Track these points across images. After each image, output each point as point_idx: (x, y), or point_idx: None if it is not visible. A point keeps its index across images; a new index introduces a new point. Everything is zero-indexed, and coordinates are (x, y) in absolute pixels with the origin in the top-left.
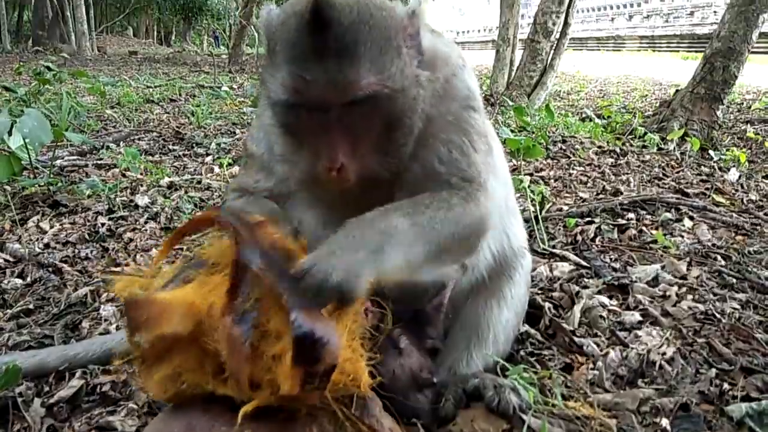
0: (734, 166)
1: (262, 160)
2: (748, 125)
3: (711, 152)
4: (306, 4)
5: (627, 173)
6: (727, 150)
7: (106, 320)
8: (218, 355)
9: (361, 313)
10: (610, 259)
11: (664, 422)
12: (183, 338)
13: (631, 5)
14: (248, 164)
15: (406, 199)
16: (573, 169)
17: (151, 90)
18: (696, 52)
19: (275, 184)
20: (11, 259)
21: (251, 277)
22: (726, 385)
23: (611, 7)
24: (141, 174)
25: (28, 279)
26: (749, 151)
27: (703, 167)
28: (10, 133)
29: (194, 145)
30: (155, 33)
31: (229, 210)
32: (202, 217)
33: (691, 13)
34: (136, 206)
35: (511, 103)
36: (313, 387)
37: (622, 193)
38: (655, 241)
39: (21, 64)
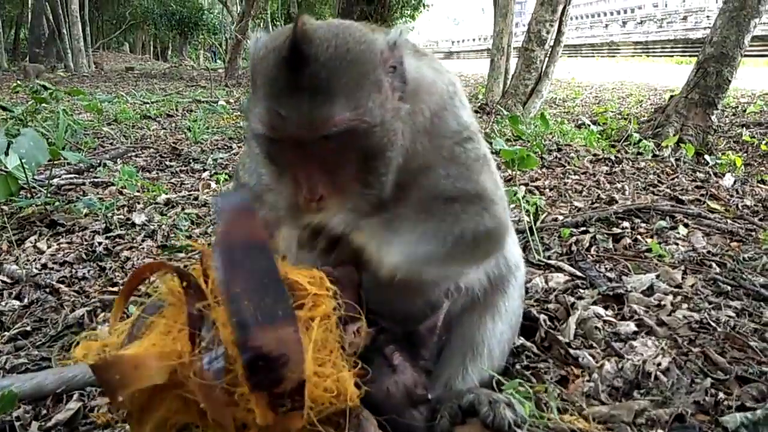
0: (730, 171)
1: (253, 189)
2: (744, 128)
3: (706, 157)
4: (284, 40)
5: (622, 181)
6: (723, 154)
7: None
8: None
9: (339, 324)
10: (605, 268)
11: None
12: (162, 387)
13: (625, 11)
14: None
15: (419, 207)
16: (568, 177)
17: (147, 106)
18: (690, 56)
19: (266, 212)
20: (8, 281)
21: (209, 318)
22: (721, 395)
23: (605, 14)
24: (138, 191)
25: (26, 300)
26: (745, 154)
27: (698, 173)
28: (6, 153)
29: (191, 160)
30: (152, 48)
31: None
32: (147, 266)
33: (685, 18)
34: (133, 224)
35: (506, 113)
36: (286, 408)
37: (617, 202)
38: (650, 250)
39: (18, 83)
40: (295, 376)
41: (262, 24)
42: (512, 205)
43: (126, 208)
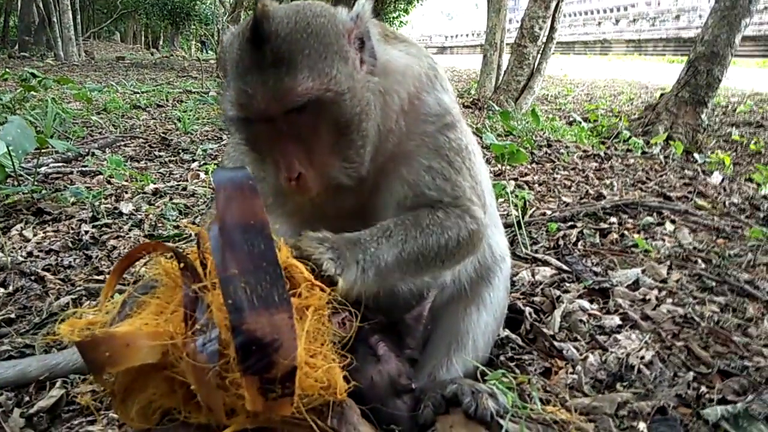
0: (718, 169)
1: None
2: (733, 128)
3: (695, 155)
4: (247, 23)
5: (611, 177)
6: (712, 153)
7: None
8: (187, 383)
9: (331, 317)
10: (592, 263)
11: (642, 426)
12: (150, 367)
13: (618, 9)
14: None
15: (401, 219)
16: (557, 173)
17: (138, 96)
18: (682, 55)
19: None
20: None
21: (204, 301)
22: (703, 389)
23: (598, 11)
24: (126, 181)
25: (10, 288)
26: (734, 153)
27: (686, 170)
28: None
29: (180, 151)
30: (143, 38)
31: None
32: (144, 246)
33: (677, 17)
34: (121, 214)
35: (497, 108)
36: (276, 395)
37: (605, 198)
38: (636, 245)
39: (6, 70)
40: (287, 362)
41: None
42: (501, 199)
43: (113, 198)
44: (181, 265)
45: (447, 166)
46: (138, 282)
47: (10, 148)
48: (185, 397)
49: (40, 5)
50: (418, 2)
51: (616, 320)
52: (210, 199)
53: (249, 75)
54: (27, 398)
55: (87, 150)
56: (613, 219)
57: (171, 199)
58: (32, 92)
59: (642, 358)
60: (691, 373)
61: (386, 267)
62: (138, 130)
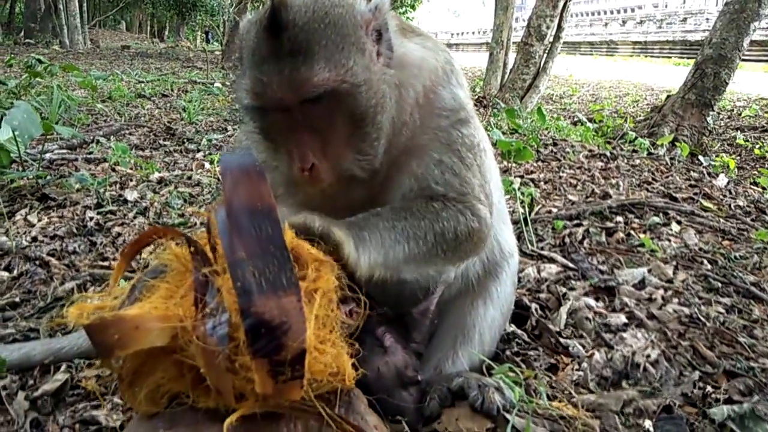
0: (723, 172)
1: None
2: (738, 132)
3: (701, 158)
4: (265, 12)
5: (616, 177)
6: (717, 156)
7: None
8: (196, 366)
9: (340, 306)
10: (598, 261)
11: (647, 423)
12: (159, 350)
13: (625, 11)
14: None
15: (398, 206)
16: (563, 171)
17: (143, 85)
18: (688, 58)
19: None
20: None
21: (214, 285)
22: (709, 388)
23: (605, 12)
24: (131, 169)
25: (15, 272)
26: (739, 157)
27: (692, 172)
28: None
29: (185, 140)
30: (149, 28)
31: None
32: (154, 230)
33: (684, 20)
34: (125, 201)
35: (503, 106)
36: (286, 377)
37: (611, 197)
38: (642, 245)
39: (12, 56)
40: (296, 345)
41: (260, 6)
42: (507, 196)
43: (118, 185)
44: (192, 249)
45: (458, 162)
46: (147, 267)
47: (16, 133)
48: (194, 381)
49: None
50: None
51: (622, 318)
52: (215, 189)
53: (265, 64)
54: (31, 381)
55: (92, 137)
56: (620, 218)
57: (176, 187)
58: (38, 79)
59: (648, 356)
60: (697, 373)
61: (388, 250)
62: (143, 118)
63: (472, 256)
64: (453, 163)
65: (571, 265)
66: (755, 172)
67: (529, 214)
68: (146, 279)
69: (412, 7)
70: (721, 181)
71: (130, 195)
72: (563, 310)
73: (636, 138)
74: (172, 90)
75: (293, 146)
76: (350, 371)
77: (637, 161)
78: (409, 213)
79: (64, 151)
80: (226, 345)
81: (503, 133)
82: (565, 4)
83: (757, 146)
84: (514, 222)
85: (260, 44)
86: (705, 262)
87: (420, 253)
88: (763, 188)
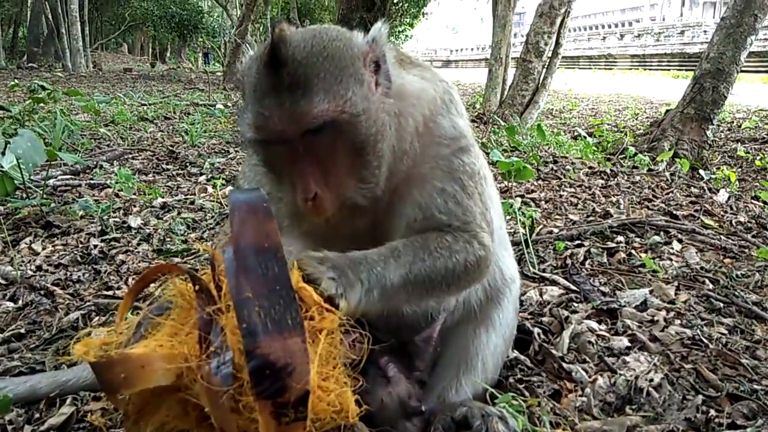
0: (724, 186)
1: None
2: (739, 144)
3: (701, 172)
4: (265, 47)
5: (617, 195)
6: (718, 169)
7: None
8: (200, 405)
9: (343, 339)
10: (600, 282)
11: None
12: (164, 389)
13: (623, 24)
14: None
15: (410, 241)
16: (563, 190)
17: (145, 108)
18: (687, 70)
19: None
20: (3, 282)
21: (219, 324)
22: (713, 412)
23: (603, 27)
24: (134, 194)
25: (20, 302)
26: (740, 169)
27: (692, 188)
28: (3, 153)
29: (188, 164)
30: (150, 50)
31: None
32: (160, 267)
33: (682, 33)
34: (129, 228)
35: (503, 123)
36: (289, 419)
37: (611, 216)
38: (643, 265)
39: (15, 81)
40: (300, 386)
41: (261, 28)
42: (508, 217)
43: (122, 211)
44: (196, 287)
45: (459, 190)
46: (152, 303)
47: (20, 160)
48: (198, 419)
49: (49, 17)
50: (423, 16)
51: (625, 342)
52: (218, 214)
53: (266, 98)
54: (37, 415)
55: (95, 162)
56: (621, 238)
57: (179, 213)
58: (41, 104)
59: (651, 380)
60: (700, 397)
61: (392, 287)
62: (145, 142)
63: (475, 284)
64: (455, 191)
65: (573, 287)
66: (756, 184)
67: (530, 236)
68: (151, 316)
69: (411, 25)
70: (722, 196)
71: (134, 221)
72: (566, 334)
73: (636, 153)
74: (174, 112)
75: (296, 177)
76: (353, 408)
77: (638, 177)
78: (423, 249)
79: (68, 176)
80: (230, 384)
81: (504, 151)
82: (562, 20)
83: (758, 158)
84: (516, 244)
85: (261, 79)
86: (707, 281)
87: (432, 289)
88: (764, 203)
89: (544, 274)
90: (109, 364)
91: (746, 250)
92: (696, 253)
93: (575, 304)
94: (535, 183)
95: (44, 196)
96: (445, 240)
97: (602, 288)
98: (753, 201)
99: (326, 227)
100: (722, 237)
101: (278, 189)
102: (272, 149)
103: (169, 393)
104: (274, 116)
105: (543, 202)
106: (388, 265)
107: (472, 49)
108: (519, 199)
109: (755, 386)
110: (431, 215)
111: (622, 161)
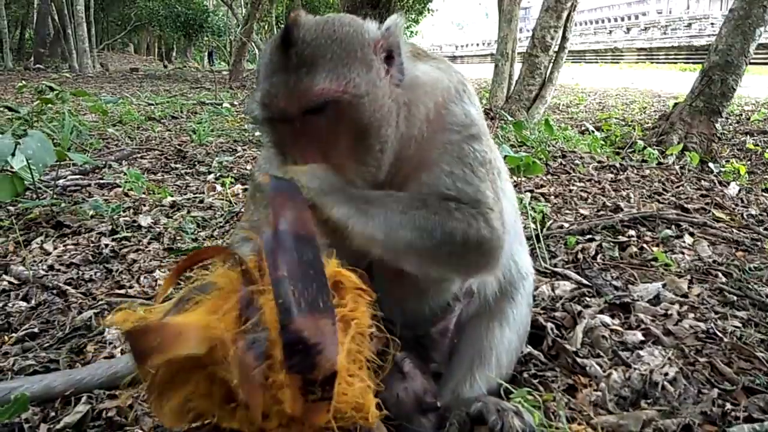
0: (734, 179)
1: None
2: (748, 136)
3: (711, 165)
4: (281, 31)
5: (627, 189)
6: (727, 162)
7: (110, 344)
8: (227, 383)
9: (368, 340)
10: (612, 277)
11: None
12: (194, 362)
13: (629, 18)
14: (257, 198)
15: (415, 196)
16: (573, 185)
17: (152, 107)
18: (694, 63)
19: None
20: (16, 282)
21: (258, 303)
22: (728, 406)
23: (609, 20)
24: (144, 194)
25: (33, 302)
26: (749, 162)
27: (702, 181)
28: (13, 154)
29: (196, 163)
30: (156, 50)
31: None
32: (208, 249)
33: (689, 25)
34: (139, 227)
35: (510, 118)
36: (316, 397)
37: (622, 210)
38: (655, 259)
39: (23, 82)
40: (328, 366)
41: (266, 27)
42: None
43: (132, 211)
44: (242, 267)
45: (470, 173)
46: (195, 282)
47: (30, 161)
48: (222, 400)
49: (56, 18)
50: (428, 12)
51: (639, 336)
52: (228, 213)
53: (274, 76)
54: (53, 413)
55: (104, 162)
56: (632, 232)
57: (189, 212)
58: (49, 105)
59: (666, 374)
60: (716, 390)
61: (385, 223)
62: (153, 141)
63: (483, 270)
64: (464, 174)
65: (585, 281)
66: (766, 177)
67: (541, 231)
68: (193, 294)
69: (416, 21)
70: (733, 189)
71: (144, 220)
72: (579, 329)
73: (645, 147)
74: (181, 112)
75: (297, 155)
76: (374, 410)
77: (647, 171)
78: (422, 203)
79: (77, 176)
80: (262, 361)
81: (511, 146)
82: (569, 14)
83: (767, 150)
84: (527, 239)
85: (272, 59)
86: (719, 275)
87: (424, 246)
88: None
89: (555, 269)
90: (145, 331)
91: (758, 243)
92: (708, 246)
93: (588, 299)
94: (545, 178)
95: (54, 196)
96: (446, 204)
97: (614, 282)
98: (764, 194)
99: None
100: (734, 230)
101: (284, 168)
102: (278, 128)
103: (197, 369)
104: (279, 93)
105: (553, 197)
106: (384, 202)
107: (477, 45)
108: (529, 194)
109: None
110: (438, 192)
111: (631, 155)
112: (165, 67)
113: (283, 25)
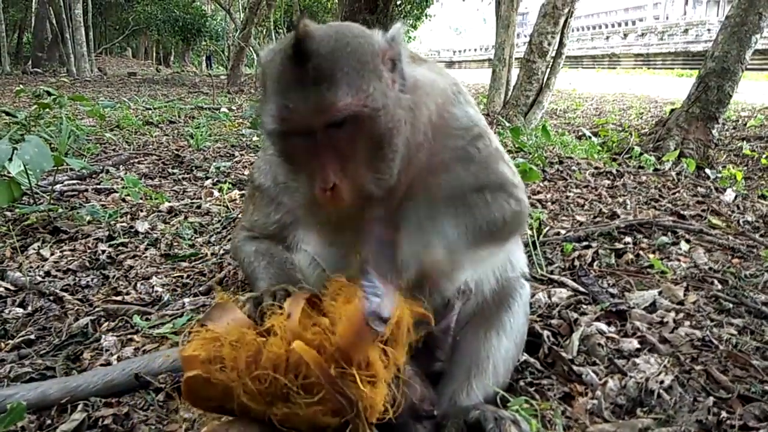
0: (731, 185)
1: (270, 192)
2: (744, 142)
3: (707, 171)
4: (289, 41)
5: (623, 195)
6: (724, 168)
7: (107, 351)
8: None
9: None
10: (608, 284)
11: None
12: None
13: (626, 23)
14: (256, 199)
15: (457, 201)
16: (570, 191)
17: (150, 112)
18: (691, 69)
19: (283, 214)
20: (12, 288)
21: None
22: (724, 414)
23: (606, 26)
24: (141, 199)
25: (29, 308)
26: (746, 168)
27: (699, 188)
28: (10, 159)
29: (194, 168)
30: (154, 54)
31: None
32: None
33: (686, 31)
34: (137, 232)
35: (507, 124)
36: (372, 323)
37: (618, 216)
38: (652, 266)
39: (21, 86)
40: (388, 310)
41: (264, 32)
42: None
43: (129, 216)
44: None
45: (484, 165)
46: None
47: (28, 167)
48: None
49: (54, 22)
50: (426, 18)
51: (635, 343)
52: (225, 218)
53: (291, 91)
54: (49, 421)
55: (101, 167)
56: (628, 239)
57: (186, 217)
58: (46, 109)
59: (661, 382)
60: (711, 398)
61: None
62: (151, 146)
63: (516, 234)
64: (480, 168)
65: (581, 289)
66: (763, 183)
67: (538, 238)
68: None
69: (414, 26)
70: (729, 195)
71: (141, 226)
72: (575, 337)
73: (642, 153)
74: (179, 116)
75: (315, 168)
76: (379, 407)
77: (644, 178)
78: (464, 206)
79: (74, 181)
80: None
81: (508, 152)
82: (566, 20)
83: (764, 156)
84: (524, 245)
85: (285, 72)
86: (715, 282)
87: (476, 241)
88: None
89: (552, 276)
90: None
91: (754, 250)
92: (704, 253)
93: (584, 306)
94: (541, 184)
95: (51, 201)
96: (483, 197)
97: (611, 289)
98: (760, 200)
99: (341, 217)
100: (730, 237)
101: (294, 179)
102: (293, 141)
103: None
104: (299, 108)
105: (549, 204)
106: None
107: (475, 50)
108: None
109: (766, 387)
110: (465, 186)
111: (627, 161)
112: (158, 71)
113: (291, 35)
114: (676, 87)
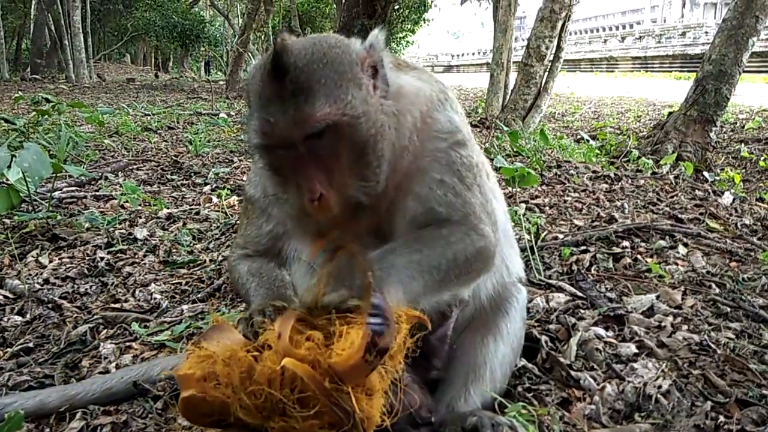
0: (728, 188)
1: (260, 203)
2: (742, 144)
3: (705, 174)
4: (268, 56)
5: (621, 199)
6: (722, 170)
7: (105, 359)
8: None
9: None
10: (606, 288)
11: None
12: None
13: (624, 27)
14: (249, 211)
15: (410, 238)
16: (568, 195)
17: (149, 118)
18: (688, 71)
19: (275, 225)
20: (11, 296)
21: None
22: (722, 418)
23: (604, 29)
24: (140, 206)
25: (28, 316)
26: (744, 170)
27: (697, 191)
28: (9, 167)
29: (192, 174)
30: (153, 60)
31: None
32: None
33: (683, 34)
34: (135, 239)
35: (505, 128)
36: (368, 359)
37: (616, 220)
38: (649, 270)
39: (19, 93)
40: (386, 340)
41: (263, 37)
42: (513, 224)
43: (128, 223)
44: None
45: (458, 182)
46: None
47: (26, 174)
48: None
49: (52, 28)
50: (424, 22)
51: (632, 348)
52: (223, 225)
53: (271, 105)
54: (47, 430)
55: (100, 174)
56: (626, 243)
57: (184, 224)
58: (45, 116)
59: (659, 387)
60: (709, 403)
61: (406, 276)
62: (150, 153)
63: (483, 273)
64: (453, 183)
65: (579, 293)
66: (761, 185)
67: (536, 242)
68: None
69: (412, 30)
70: (727, 198)
71: (140, 233)
72: (573, 342)
73: (639, 157)
74: (178, 122)
75: (301, 179)
76: (376, 418)
77: (642, 181)
78: (422, 244)
79: (73, 188)
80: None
81: (507, 156)
82: (563, 24)
83: (762, 158)
84: (521, 250)
85: (265, 87)
86: (713, 285)
87: (436, 282)
88: None
89: (550, 281)
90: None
91: (752, 253)
92: (702, 257)
93: (582, 311)
94: (540, 188)
95: (50, 208)
96: (440, 232)
97: (609, 294)
98: (758, 203)
99: (330, 225)
100: (728, 240)
101: (283, 191)
102: (278, 154)
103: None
104: (279, 122)
105: (547, 208)
106: (391, 264)
107: (473, 54)
108: (523, 206)
109: (764, 391)
110: (430, 208)
111: (625, 165)
112: (157, 77)
113: (271, 50)
114: (673, 90)
